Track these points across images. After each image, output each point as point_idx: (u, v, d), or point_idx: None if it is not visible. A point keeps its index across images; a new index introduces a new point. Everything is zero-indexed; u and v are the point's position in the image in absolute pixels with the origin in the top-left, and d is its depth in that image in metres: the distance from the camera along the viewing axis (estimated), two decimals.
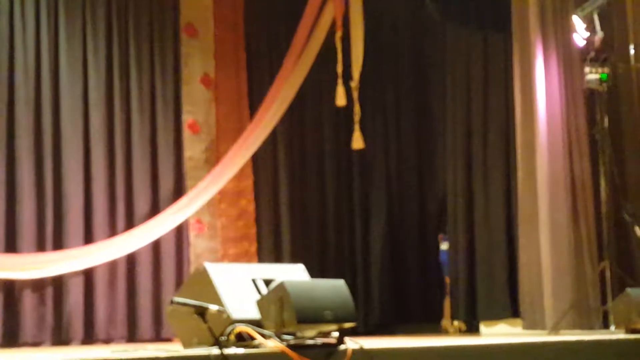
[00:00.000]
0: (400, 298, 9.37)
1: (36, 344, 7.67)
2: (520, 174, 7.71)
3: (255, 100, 8.91)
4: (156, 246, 8.35)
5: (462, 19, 8.64)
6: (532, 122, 7.52)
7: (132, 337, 8.15)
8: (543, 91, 7.48)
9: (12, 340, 7.57)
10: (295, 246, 9.01)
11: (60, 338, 7.79)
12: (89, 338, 7.87)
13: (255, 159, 8.86)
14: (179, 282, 8.47)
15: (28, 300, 7.69)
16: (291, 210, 9.14)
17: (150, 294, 8.33)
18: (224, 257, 8.76)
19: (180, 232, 8.53)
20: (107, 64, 8.38)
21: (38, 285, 7.74)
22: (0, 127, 7.79)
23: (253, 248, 8.94)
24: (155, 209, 8.42)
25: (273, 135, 8.80)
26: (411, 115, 9.64)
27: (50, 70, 8.06)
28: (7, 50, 7.87)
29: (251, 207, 8.98)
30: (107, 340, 7.98)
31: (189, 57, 8.86)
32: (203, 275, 4.38)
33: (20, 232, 7.76)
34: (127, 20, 8.52)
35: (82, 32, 8.26)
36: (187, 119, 8.79)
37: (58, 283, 7.86)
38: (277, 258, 8.82)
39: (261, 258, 8.87)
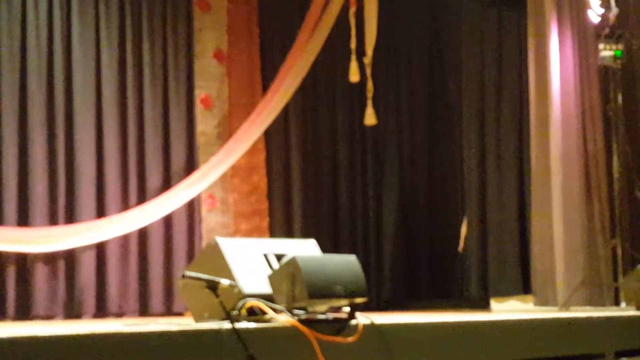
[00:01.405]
0: (411, 275, 9.38)
1: (48, 317, 7.72)
2: (533, 150, 7.69)
3: (268, 76, 8.88)
4: (168, 221, 8.37)
5: None
6: (546, 99, 7.48)
7: (143, 311, 8.20)
8: (557, 68, 7.43)
9: (24, 313, 7.62)
10: (307, 222, 9.02)
11: (73, 312, 7.83)
12: (101, 312, 7.91)
13: (268, 134, 8.85)
14: (190, 257, 8.50)
15: (40, 274, 7.73)
16: (303, 186, 9.15)
17: (162, 268, 8.36)
18: (235, 233, 8.78)
19: (192, 207, 8.54)
20: (119, 38, 8.36)
21: (50, 259, 7.78)
22: (13, 102, 7.80)
23: (265, 223, 8.95)
24: (167, 184, 8.44)
25: (286, 110, 8.78)
26: (424, 91, 9.60)
27: (63, 44, 8.05)
28: (19, 23, 7.85)
29: (263, 183, 8.98)
30: (119, 314, 8.02)
31: (202, 31, 8.83)
32: (215, 249, 4.38)
33: (32, 206, 7.78)
34: None
35: (94, 6, 8.24)
36: (199, 93, 8.78)
37: (70, 257, 7.90)
38: (289, 234, 8.83)
39: (273, 234, 8.88)
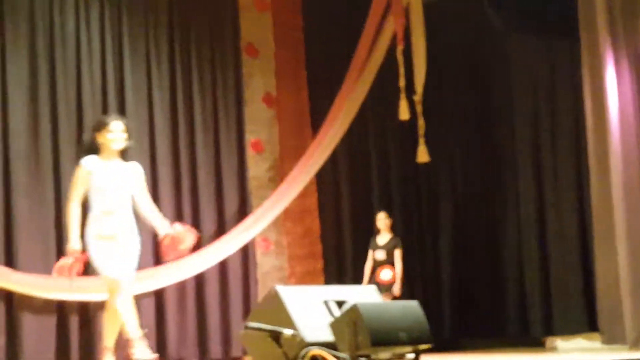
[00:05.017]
0: (469, 313, 9.26)
1: None
2: (593, 183, 7.48)
3: (317, 118, 8.91)
4: (223, 265, 8.40)
5: (525, 27, 8.51)
6: (604, 128, 7.27)
7: (202, 356, 8.21)
8: (615, 96, 7.23)
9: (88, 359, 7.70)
10: (361, 265, 8.95)
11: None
12: (162, 357, 7.91)
13: (319, 176, 8.86)
14: (246, 300, 8.51)
15: (101, 322, 7.75)
16: (356, 227, 9.12)
17: (219, 313, 8.38)
18: (290, 276, 8.78)
19: (246, 251, 8.56)
20: (170, 86, 8.48)
21: None
22: (70, 155, 7.87)
23: (319, 265, 8.94)
24: (221, 229, 8.48)
25: (336, 151, 8.79)
26: (476, 126, 9.55)
27: (117, 95, 8.17)
28: (74, 79, 7.99)
29: (316, 225, 8.99)
30: None
31: (251, 76, 8.92)
32: (275, 298, 4.39)
33: None
34: (189, 43, 8.61)
35: (145, 56, 8.37)
36: (250, 138, 8.84)
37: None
38: (343, 276, 8.78)
39: (327, 275, 8.86)
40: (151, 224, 6.16)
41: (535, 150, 8.72)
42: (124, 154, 6.04)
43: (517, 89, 9.02)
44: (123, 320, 5.72)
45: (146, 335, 5.84)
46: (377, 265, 8.47)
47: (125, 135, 5.99)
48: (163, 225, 6.11)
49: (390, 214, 9.01)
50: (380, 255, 8.47)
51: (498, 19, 8.61)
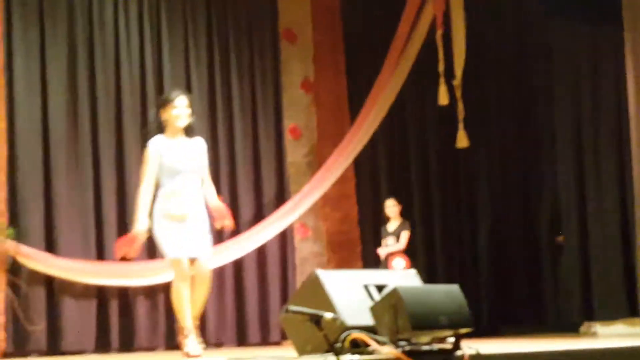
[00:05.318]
0: (507, 299, 9.20)
1: (151, 348, 7.84)
2: (635, 169, 7.41)
3: (355, 103, 8.88)
4: (262, 252, 8.42)
5: (567, 12, 8.39)
6: None
7: (241, 341, 8.25)
8: None
9: (127, 345, 7.76)
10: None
11: (173, 343, 7.91)
12: (201, 339, 7.96)
13: (357, 162, 8.83)
14: (284, 286, 8.53)
15: (141, 307, 7.86)
16: None
17: (257, 298, 8.41)
18: (329, 261, 8.78)
19: (285, 237, 8.58)
20: (208, 72, 8.50)
21: (150, 292, 7.90)
22: (110, 140, 7.97)
23: (357, 251, 8.94)
24: (259, 215, 8.50)
25: (374, 137, 8.75)
26: (515, 111, 9.45)
27: (155, 81, 8.21)
28: (113, 65, 8.05)
29: (354, 211, 8.98)
30: (218, 345, 8.08)
31: (289, 62, 8.91)
32: (315, 282, 4.39)
33: None
34: (227, 28, 8.62)
35: (184, 43, 8.39)
36: (288, 124, 8.84)
37: (168, 289, 7.96)
38: (380, 261, 8.76)
39: (365, 261, 8.84)
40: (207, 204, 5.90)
41: (575, 136, 8.60)
42: (188, 131, 5.82)
43: (558, 74, 8.90)
44: (179, 306, 5.61)
45: (199, 327, 5.73)
46: (388, 253, 8.44)
47: (190, 111, 5.79)
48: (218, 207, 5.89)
49: (428, 201, 8.97)
50: (391, 241, 8.44)
51: (539, 2, 8.49)
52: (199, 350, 5.54)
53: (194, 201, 5.69)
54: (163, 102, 5.83)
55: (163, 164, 5.68)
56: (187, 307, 5.61)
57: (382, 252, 8.50)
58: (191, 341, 5.56)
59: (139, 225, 5.65)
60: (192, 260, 5.66)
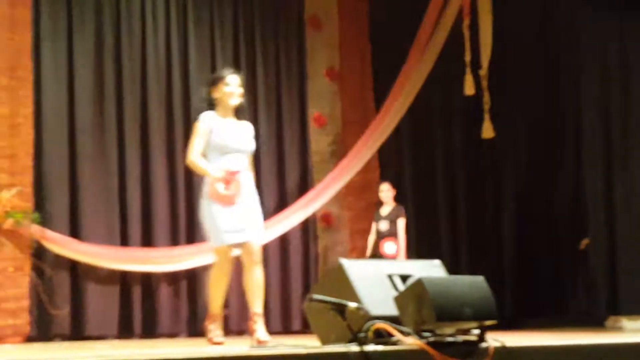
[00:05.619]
0: (531, 291, 9.14)
1: (173, 335, 7.87)
2: None
3: (380, 92, 8.84)
4: (284, 240, 8.41)
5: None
6: None
7: None
8: None
9: (150, 332, 7.79)
10: (422, 240, 8.90)
11: (195, 330, 7.94)
12: (223, 330, 7.96)
13: (382, 151, 8.80)
14: (306, 275, 8.53)
15: (164, 293, 7.89)
16: (418, 202, 9.05)
17: (279, 287, 8.41)
18: (352, 250, 8.76)
19: (307, 226, 8.57)
20: (234, 59, 8.49)
21: (173, 278, 7.93)
22: (135, 127, 8.01)
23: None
24: (282, 203, 8.49)
25: (399, 126, 8.71)
26: (542, 102, 9.34)
27: (180, 68, 8.23)
28: (139, 53, 8.08)
29: (378, 200, 8.93)
30: (240, 333, 8.09)
31: (314, 50, 8.88)
32: (339, 271, 4.35)
33: (155, 227, 7.96)
34: (253, 16, 8.61)
35: (210, 31, 8.40)
36: (312, 112, 8.82)
37: (192, 276, 8.03)
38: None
39: None
40: None
41: (603, 126, 8.50)
42: (238, 113, 5.63)
43: (586, 66, 8.78)
44: (213, 292, 5.50)
45: (227, 317, 5.73)
46: (380, 237, 8.38)
47: (241, 90, 5.62)
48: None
49: (452, 191, 8.89)
50: (384, 226, 8.37)
51: None
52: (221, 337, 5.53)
53: (244, 183, 5.48)
54: (215, 80, 5.64)
55: (212, 140, 5.47)
56: (220, 296, 5.52)
57: (371, 238, 8.43)
58: (216, 329, 5.52)
59: (215, 174, 5.39)
60: (242, 244, 5.48)
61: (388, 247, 8.25)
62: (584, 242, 8.60)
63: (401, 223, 8.34)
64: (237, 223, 5.40)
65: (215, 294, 5.52)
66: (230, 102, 5.56)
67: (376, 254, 8.14)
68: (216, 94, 5.58)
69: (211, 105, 5.59)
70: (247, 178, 5.53)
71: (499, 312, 4.17)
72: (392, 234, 8.32)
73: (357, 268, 4.40)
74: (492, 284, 4.30)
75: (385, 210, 8.48)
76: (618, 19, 8.32)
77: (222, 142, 5.47)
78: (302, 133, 8.78)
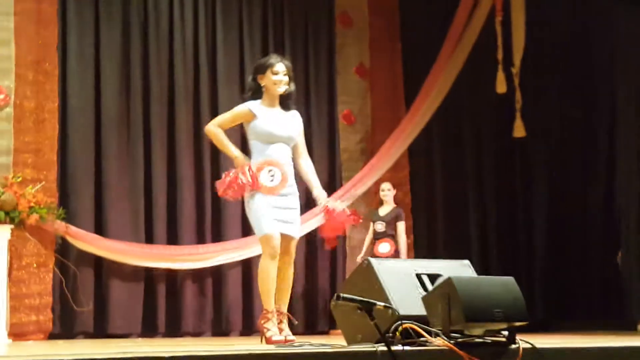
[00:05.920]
0: (562, 293, 8.98)
1: (197, 334, 7.79)
2: None
3: (410, 90, 8.72)
4: (312, 238, 8.31)
5: None
6: None
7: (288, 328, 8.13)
8: None
9: (174, 330, 7.72)
10: (451, 239, 8.77)
11: (220, 329, 7.87)
12: (248, 329, 7.90)
13: (412, 149, 8.68)
14: (334, 274, 8.42)
15: (189, 291, 7.82)
16: (448, 202, 8.92)
17: (306, 286, 8.32)
18: None
19: None
20: (262, 56, 8.35)
21: (198, 276, 7.86)
22: (161, 122, 7.95)
23: (410, 240, 8.76)
24: (310, 201, 8.36)
25: (429, 124, 8.59)
26: (575, 102, 9.16)
27: (208, 62, 8.16)
28: (166, 46, 8.02)
29: (407, 199, 8.81)
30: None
31: (344, 46, 8.79)
32: (368, 270, 4.28)
33: (180, 224, 7.89)
34: (283, 12, 8.52)
35: (238, 27, 8.32)
36: (341, 109, 8.72)
37: (217, 274, 7.95)
38: (433, 251, 8.61)
39: (418, 250, 8.69)
40: (306, 184, 5.55)
41: (638, 128, 8.30)
42: (286, 102, 5.39)
43: (621, 65, 8.59)
44: (264, 286, 5.20)
45: (279, 313, 5.30)
46: (375, 237, 8.23)
47: (289, 78, 5.38)
48: (321, 192, 5.55)
49: (483, 191, 8.74)
50: (380, 227, 8.21)
51: None
52: (281, 336, 5.17)
53: (288, 173, 5.29)
54: (262, 67, 5.36)
55: (257, 127, 5.25)
56: (273, 289, 5.24)
57: (367, 238, 8.29)
58: (273, 326, 5.22)
59: (240, 158, 5.26)
60: (284, 236, 5.28)
61: (382, 247, 8.14)
62: (620, 255, 8.42)
63: (401, 226, 8.20)
64: (280, 214, 5.25)
65: (265, 287, 5.21)
66: (278, 89, 5.32)
67: (370, 254, 8.01)
68: (263, 82, 5.34)
69: (257, 92, 5.37)
70: (290, 170, 5.32)
71: (529, 314, 4.04)
72: (388, 235, 8.19)
73: (386, 267, 4.31)
74: (522, 285, 4.18)
75: (383, 210, 8.35)
76: None
77: (266, 131, 5.24)
78: (331, 130, 8.68)
